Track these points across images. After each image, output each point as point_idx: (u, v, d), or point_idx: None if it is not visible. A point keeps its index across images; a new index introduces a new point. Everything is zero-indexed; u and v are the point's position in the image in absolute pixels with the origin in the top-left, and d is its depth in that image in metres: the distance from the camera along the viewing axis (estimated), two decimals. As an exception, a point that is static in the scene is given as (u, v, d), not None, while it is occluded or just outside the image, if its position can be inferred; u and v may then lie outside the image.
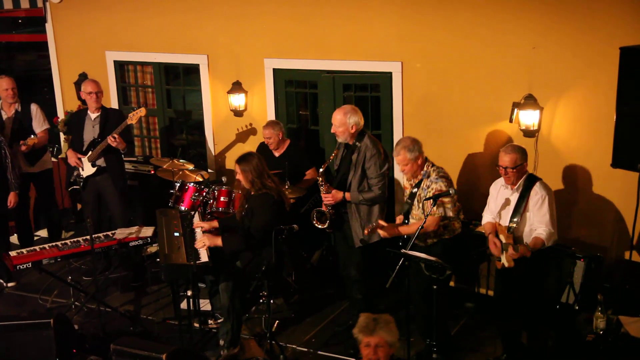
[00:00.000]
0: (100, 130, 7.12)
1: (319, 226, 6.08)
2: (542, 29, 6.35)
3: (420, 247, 5.25)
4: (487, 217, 5.57)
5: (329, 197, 5.92)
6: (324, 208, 6.04)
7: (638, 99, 5.27)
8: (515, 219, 5.22)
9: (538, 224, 5.17)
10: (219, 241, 5.91)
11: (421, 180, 5.50)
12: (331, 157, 6.03)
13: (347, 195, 5.89)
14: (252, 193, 5.92)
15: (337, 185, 5.96)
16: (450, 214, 5.39)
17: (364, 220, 5.89)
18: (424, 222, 5.21)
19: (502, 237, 5.25)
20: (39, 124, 7.63)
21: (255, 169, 5.84)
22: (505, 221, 5.33)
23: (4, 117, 7.51)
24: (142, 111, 7.14)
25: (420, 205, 5.48)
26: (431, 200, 5.27)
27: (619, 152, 5.46)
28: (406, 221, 5.64)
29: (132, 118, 7.07)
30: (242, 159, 5.92)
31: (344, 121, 5.82)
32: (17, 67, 10.23)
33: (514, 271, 5.17)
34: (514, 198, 5.28)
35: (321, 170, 5.96)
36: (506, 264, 5.11)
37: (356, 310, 5.97)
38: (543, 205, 5.15)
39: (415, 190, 5.54)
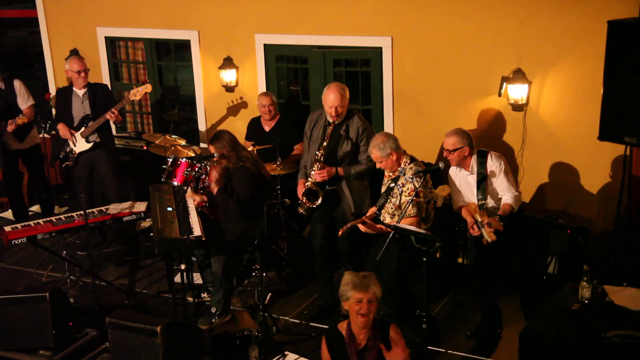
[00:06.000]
0: (90, 106, 7.11)
1: (313, 206, 6.05)
2: (531, 3, 6.38)
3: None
4: (459, 202, 5.68)
5: (324, 173, 5.96)
6: (309, 186, 6.02)
7: (625, 73, 5.31)
8: (480, 196, 5.46)
9: (501, 192, 5.47)
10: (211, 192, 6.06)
11: (398, 177, 5.55)
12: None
13: (340, 169, 5.95)
14: (230, 168, 5.97)
15: (325, 161, 5.98)
16: (422, 214, 5.49)
17: (355, 195, 6.00)
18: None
19: (477, 216, 5.43)
20: (23, 100, 7.51)
21: (228, 143, 5.91)
22: (474, 200, 5.54)
23: None
24: (147, 87, 6.99)
25: (395, 200, 5.54)
26: (409, 200, 5.32)
27: (606, 125, 5.51)
28: (378, 213, 5.70)
29: (136, 94, 6.97)
30: (214, 138, 5.99)
31: (343, 100, 5.84)
32: (7, 43, 10.14)
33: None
34: (473, 179, 5.50)
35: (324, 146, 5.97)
36: (489, 240, 5.30)
37: None
38: (500, 175, 5.45)
39: (392, 185, 5.59)
